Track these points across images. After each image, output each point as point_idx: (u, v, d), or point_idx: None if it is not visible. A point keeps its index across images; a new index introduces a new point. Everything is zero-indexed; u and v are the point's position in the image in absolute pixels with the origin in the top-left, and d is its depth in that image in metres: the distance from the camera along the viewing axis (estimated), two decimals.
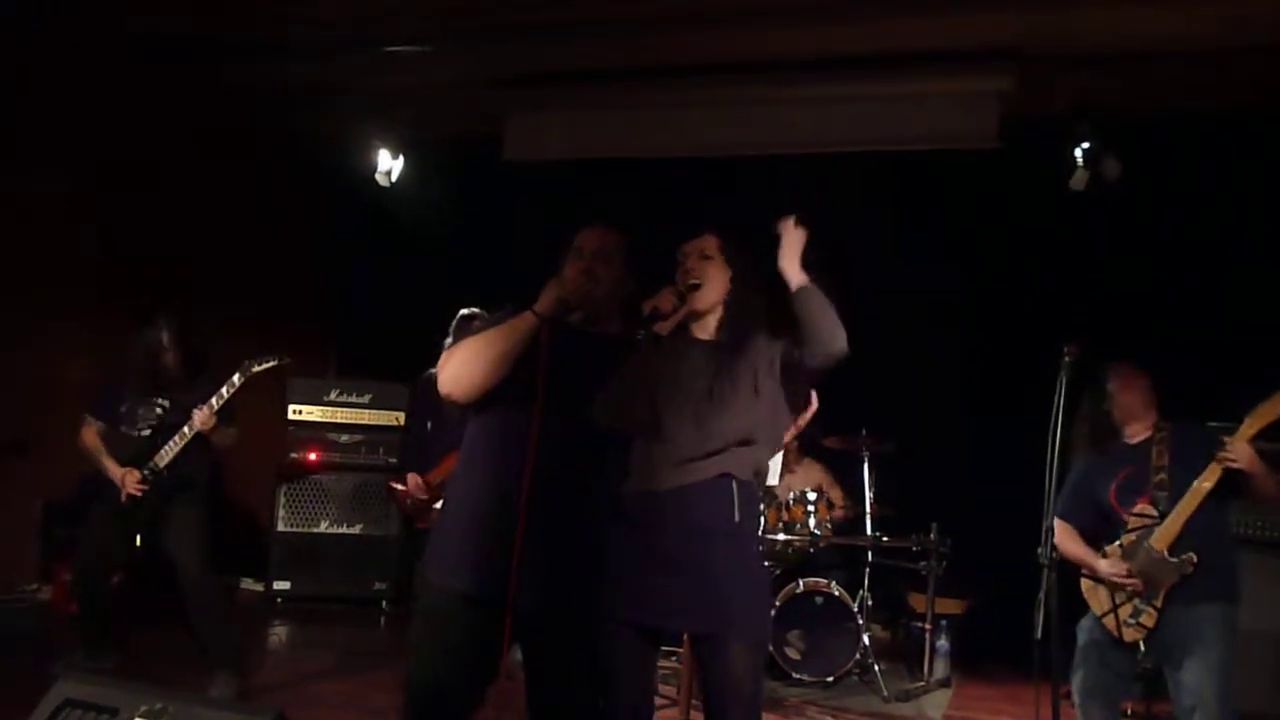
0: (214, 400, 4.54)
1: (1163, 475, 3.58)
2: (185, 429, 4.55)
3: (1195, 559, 3.45)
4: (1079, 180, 5.76)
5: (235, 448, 4.86)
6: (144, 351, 4.65)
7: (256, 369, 4.63)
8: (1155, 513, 3.56)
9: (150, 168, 6.27)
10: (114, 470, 4.57)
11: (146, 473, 4.53)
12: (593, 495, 2.72)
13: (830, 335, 2.64)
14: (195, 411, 4.52)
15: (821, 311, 2.66)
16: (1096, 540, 3.73)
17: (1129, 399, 3.72)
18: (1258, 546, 4.55)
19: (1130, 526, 3.62)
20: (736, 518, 2.68)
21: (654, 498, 2.68)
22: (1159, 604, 3.51)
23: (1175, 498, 3.52)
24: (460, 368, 2.63)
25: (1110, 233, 5.96)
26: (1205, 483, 3.49)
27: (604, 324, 2.78)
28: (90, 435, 4.68)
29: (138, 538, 4.57)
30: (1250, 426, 3.45)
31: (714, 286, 2.80)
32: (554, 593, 2.62)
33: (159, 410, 4.64)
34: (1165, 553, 3.49)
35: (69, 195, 5.81)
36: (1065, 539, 3.73)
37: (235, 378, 4.58)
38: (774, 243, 2.79)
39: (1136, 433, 3.73)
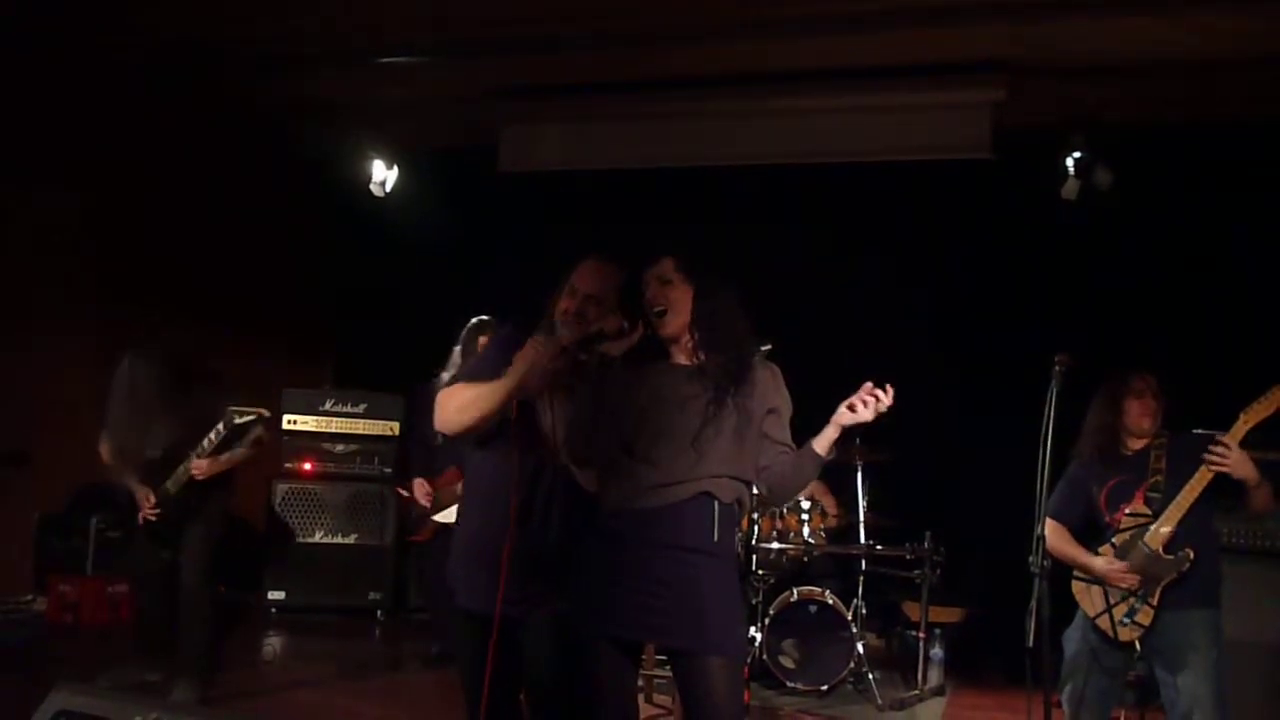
0: (203, 444, 4.53)
1: (1159, 477, 3.60)
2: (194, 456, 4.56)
3: (1192, 555, 3.47)
4: (1071, 190, 5.79)
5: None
6: (127, 378, 4.63)
7: (237, 421, 4.57)
8: (1149, 512, 3.57)
9: (149, 181, 6.28)
10: (135, 488, 4.59)
11: (160, 495, 4.55)
12: (576, 518, 2.82)
13: (793, 494, 2.99)
14: (195, 460, 4.53)
15: (806, 477, 2.79)
16: (1084, 543, 3.74)
17: (1145, 409, 3.68)
18: (1249, 556, 4.54)
19: (1124, 526, 3.62)
20: (716, 537, 2.68)
21: (635, 515, 2.67)
22: (1154, 602, 3.52)
23: (1169, 500, 3.54)
24: (453, 416, 2.80)
25: (1102, 242, 5.98)
26: (1196, 488, 3.49)
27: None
28: (106, 452, 4.68)
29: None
30: (1245, 423, 3.45)
31: (678, 311, 2.75)
32: (538, 605, 2.82)
33: (172, 431, 4.62)
34: (1160, 550, 3.51)
35: (68, 209, 5.82)
36: (1057, 539, 3.71)
37: (220, 425, 4.53)
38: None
39: (1137, 444, 3.72)
